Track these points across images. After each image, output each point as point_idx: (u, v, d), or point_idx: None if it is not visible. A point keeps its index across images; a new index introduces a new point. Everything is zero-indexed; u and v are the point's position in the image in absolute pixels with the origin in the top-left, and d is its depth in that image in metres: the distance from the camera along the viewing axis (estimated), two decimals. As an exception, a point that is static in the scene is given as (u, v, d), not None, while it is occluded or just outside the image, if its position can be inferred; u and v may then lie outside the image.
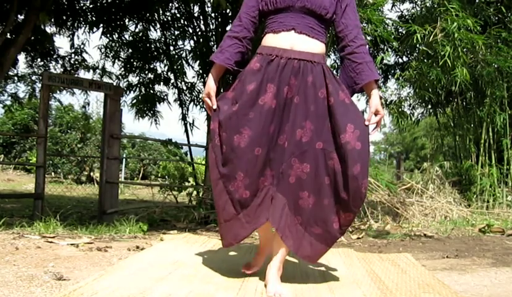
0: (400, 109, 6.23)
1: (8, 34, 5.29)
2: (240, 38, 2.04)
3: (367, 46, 2.14)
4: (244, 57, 2.08)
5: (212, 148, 2.01)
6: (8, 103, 8.28)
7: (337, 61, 6.74)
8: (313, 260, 2.03)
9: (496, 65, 6.01)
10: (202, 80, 6.50)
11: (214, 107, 2.03)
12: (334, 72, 6.89)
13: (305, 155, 1.94)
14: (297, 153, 1.95)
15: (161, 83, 6.88)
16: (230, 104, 1.99)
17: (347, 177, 1.89)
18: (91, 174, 13.61)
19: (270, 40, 2.02)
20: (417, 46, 5.69)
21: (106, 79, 7.22)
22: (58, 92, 7.59)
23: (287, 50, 1.97)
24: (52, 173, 14.27)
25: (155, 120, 6.90)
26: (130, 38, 6.85)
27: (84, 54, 7.22)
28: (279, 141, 1.96)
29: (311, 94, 1.96)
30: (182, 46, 6.75)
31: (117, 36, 6.85)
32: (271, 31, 2.03)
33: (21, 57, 9.08)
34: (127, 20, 6.72)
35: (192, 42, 6.62)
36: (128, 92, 6.82)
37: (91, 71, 7.31)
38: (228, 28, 6.14)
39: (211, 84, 2.07)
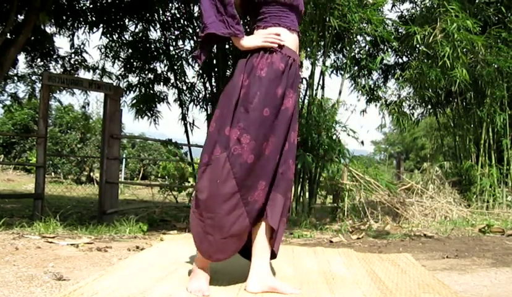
0: (400, 109, 6.24)
1: (8, 34, 5.29)
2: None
3: None
4: None
5: (227, 158, 1.80)
6: (8, 103, 8.27)
7: (337, 61, 6.75)
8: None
9: (496, 65, 6.01)
10: (202, 80, 6.50)
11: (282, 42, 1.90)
12: (334, 71, 6.78)
13: (295, 156, 2.00)
14: (292, 154, 1.97)
15: (161, 83, 6.88)
16: (253, 107, 1.82)
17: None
18: (91, 174, 13.62)
19: (287, 38, 1.93)
20: (417, 46, 5.70)
21: (106, 79, 7.23)
22: (58, 92, 7.59)
23: (295, 53, 1.97)
24: (52, 173, 14.28)
25: (154, 120, 6.90)
26: (130, 38, 6.86)
27: (84, 54, 7.23)
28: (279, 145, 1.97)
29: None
30: (182, 46, 6.76)
31: (117, 36, 6.85)
32: (285, 27, 1.94)
33: (21, 57, 9.08)
34: (127, 20, 6.72)
35: (192, 42, 6.63)
36: (128, 92, 6.83)
37: (91, 71, 7.32)
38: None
39: (253, 38, 1.91)
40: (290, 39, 1.93)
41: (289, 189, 1.98)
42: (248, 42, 1.89)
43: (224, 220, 1.81)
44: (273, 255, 2.02)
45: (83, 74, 7.32)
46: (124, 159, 14.24)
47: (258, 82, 1.84)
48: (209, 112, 6.34)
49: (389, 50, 7.00)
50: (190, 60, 6.69)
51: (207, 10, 1.86)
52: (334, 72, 6.68)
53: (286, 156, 1.94)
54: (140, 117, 6.84)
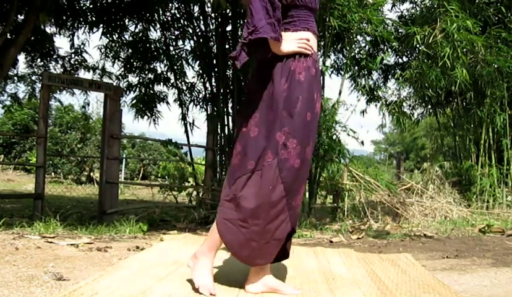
0: (400, 109, 6.24)
1: (8, 34, 5.29)
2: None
3: None
4: None
5: (277, 164, 1.80)
6: (8, 103, 8.27)
7: (337, 61, 6.74)
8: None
9: (496, 65, 6.01)
10: (202, 80, 6.50)
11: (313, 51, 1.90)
12: (334, 71, 6.75)
13: None
14: None
15: (161, 83, 6.88)
16: (297, 111, 1.83)
17: None
18: (91, 174, 13.63)
19: (313, 43, 1.93)
20: (417, 46, 5.70)
21: (106, 79, 7.23)
22: (58, 92, 7.59)
23: (317, 57, 1.99)
24: (52, 173, 14.29)
25: (154, 120, 6.90)
26: (130, 38, 6.85)
27: (84, 54, 7.24)
28: None
29: None
30: (182, 46, 6.76)
31: (117, 36, 6.85)
32: (312, 32, 1.95)
33: (21, 57, 9.08)
34: (127, 20, 6.72)
35: (191, 42, 6.63)
36: (128, 92, 6.83)
37: (91, 71, 7.32)
38: (228, 28, 6.13)
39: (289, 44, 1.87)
40: (315, 44, 1.96)
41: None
42: (286, 47, 1.88)
43: (270, 225, 1.82)
44: (287, 255, 2.03)
45: (83, 74, 7.34)
46: (124, 159, 14.24)
47: (298, 87, 1.85)
48: (209, 112, 6.34)
49: (389, 50, 6.99)
50: (190, 60, 6.70)
51: (258, 12, 1.81)
52: (334, 72, 6.68)
53: None
54: (140, 117, 6.84)
